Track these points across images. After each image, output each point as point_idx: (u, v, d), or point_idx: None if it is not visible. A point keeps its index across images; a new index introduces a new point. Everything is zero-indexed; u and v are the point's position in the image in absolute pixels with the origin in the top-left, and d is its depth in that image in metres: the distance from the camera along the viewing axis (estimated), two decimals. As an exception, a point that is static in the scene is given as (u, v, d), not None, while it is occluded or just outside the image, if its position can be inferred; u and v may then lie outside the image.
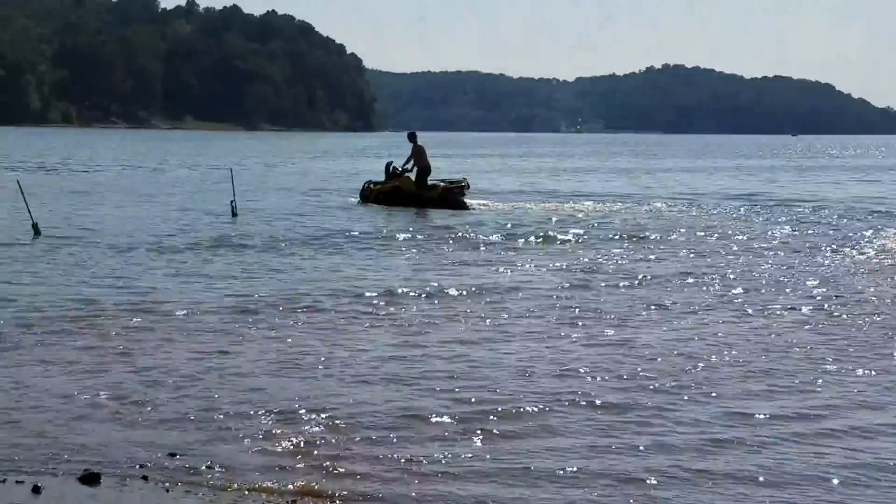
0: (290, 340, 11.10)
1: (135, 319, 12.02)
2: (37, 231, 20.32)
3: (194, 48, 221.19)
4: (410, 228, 22.82)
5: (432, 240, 20.79)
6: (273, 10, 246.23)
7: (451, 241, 20.50)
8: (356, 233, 21.88)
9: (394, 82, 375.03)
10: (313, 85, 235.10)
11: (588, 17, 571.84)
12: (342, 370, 9.84)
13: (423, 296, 13.94)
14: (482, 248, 19.62)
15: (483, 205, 29.21)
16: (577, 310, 13.11)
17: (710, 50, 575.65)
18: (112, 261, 17.09)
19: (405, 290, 14.32)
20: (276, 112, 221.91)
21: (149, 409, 8.54)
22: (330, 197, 32.86)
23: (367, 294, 13.95)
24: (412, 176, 28.23)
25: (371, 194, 28.53)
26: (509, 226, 23.83)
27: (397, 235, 21.36)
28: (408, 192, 27.74)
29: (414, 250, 19.06)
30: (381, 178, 29.39)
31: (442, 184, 28.11)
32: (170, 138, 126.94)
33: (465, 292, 14.26)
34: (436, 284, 14.89)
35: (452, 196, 27.52)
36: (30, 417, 8.30)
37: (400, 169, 28.70)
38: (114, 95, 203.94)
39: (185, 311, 12.53)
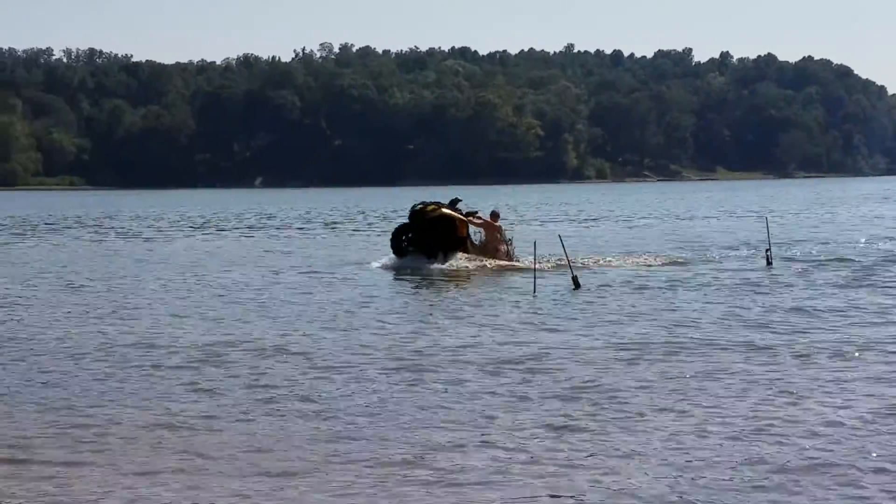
0: None
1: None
2: (576, 284, 20.96)
3: (726, 99, 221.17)
4: None
5: None
6: (809, 56, 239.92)
7: None
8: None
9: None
10: (850, 130, 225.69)
11: None
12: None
13: None
14: None
15: None
16: None
17: None
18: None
19: None
20: (809, 159, 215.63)
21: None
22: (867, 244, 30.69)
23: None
24: None
25: None
26: None
27: None
28: None
29: None
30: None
31: None
32: (701, 189, 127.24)
33: None
34: None
35: None
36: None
37: None
38: (646, 150, 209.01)
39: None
